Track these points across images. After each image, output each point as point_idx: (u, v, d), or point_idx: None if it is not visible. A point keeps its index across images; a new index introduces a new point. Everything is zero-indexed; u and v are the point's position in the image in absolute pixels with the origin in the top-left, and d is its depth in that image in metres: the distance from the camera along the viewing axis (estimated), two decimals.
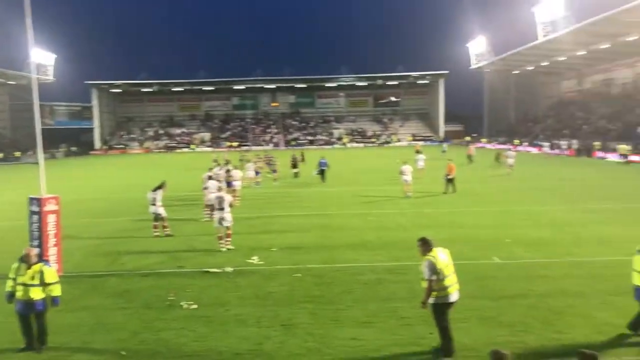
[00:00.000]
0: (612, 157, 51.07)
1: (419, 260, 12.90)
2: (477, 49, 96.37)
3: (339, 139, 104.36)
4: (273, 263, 14.58)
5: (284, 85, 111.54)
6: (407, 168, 28.09)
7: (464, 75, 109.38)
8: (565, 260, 14.20)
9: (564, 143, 64.20)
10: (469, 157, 49.92)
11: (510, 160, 39.33)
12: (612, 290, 11.56)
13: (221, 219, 16.45)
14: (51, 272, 9.18)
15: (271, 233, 18.82)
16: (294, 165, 40.23)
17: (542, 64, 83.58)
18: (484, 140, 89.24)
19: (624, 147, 50.02)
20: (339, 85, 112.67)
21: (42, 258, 9.20)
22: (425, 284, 8.52)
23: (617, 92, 75.40)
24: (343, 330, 9.72)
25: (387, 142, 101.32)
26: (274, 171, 37.83)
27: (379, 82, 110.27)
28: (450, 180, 28.98)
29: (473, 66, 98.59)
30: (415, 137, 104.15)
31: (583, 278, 12.52)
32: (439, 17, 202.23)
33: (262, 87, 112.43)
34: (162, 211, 18.75)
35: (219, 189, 18.95)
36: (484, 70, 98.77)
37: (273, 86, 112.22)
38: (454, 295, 8.60)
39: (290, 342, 9.25)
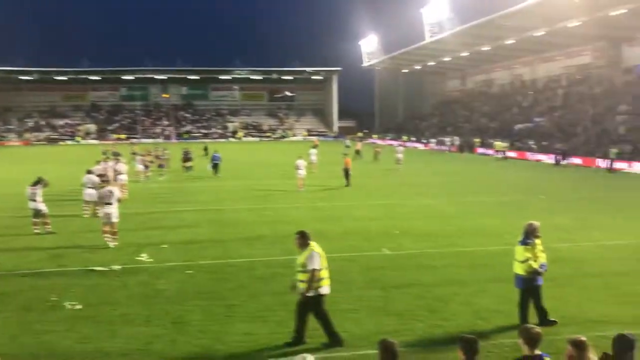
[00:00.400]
0: (491, 153, 54.43)
1: (264, 256, 12.92)
2: (369, 47, 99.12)
3: (234, 132, 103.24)
4: (164, 260, 14.15)
5: (176, 76, 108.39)
6: (302, 162, 28.46)
7: (356, 72, 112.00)
8: (449, 250, 14.98)
9: (448, 140, 67.62)
10: (357, 152, 51.23)
11: (399, 155, 40.74)
12: (490, 277, 12.35)
13: (108, 214, 15.73)
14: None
15: (162, 229, 18.25)
16: (186, 159, 39.23)
17: (429, 63, 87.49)
18: (375, 136, 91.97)
19: (499, 144, 53.43)
20: (233, 78, 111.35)
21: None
22: (303, 277, 8.65)
23: (496, 92, 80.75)
24: (236, 325, 9.63)
25: (283, 137, 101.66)
26: (161, 165, 36.28)
27: (274, 76, 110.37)
28: (347, 174, 29.83)
29: (365, 64, 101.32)
30: (310, 132, 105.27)
31: (465, 267, 13.27)
32: (334, 15, 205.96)
33: (153, 78, 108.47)
34: (42, 207, 17.56)
35: (106, 183, 18.11)
36: (375, 68, 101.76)
37: (164, 77, 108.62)
38: (327, 288, 8.84)
39: (181, 340, 9.03)
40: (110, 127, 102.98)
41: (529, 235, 9.44)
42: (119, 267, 13.39)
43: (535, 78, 73.16)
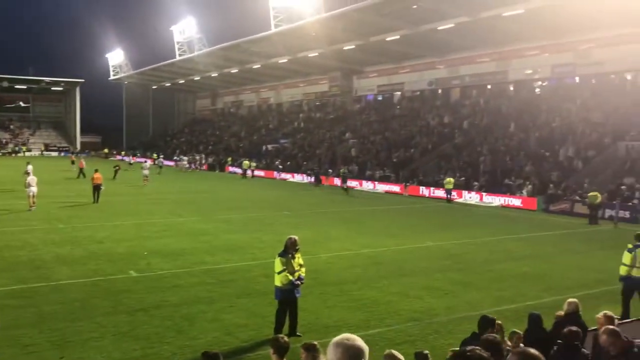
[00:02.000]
0: (240, 172, 55.89)
1: (47, 280, 12.02)
2: (116, 61, 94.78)
3: None
4: None
5: None
6: (33, 179, 25.86)
7: (102, 86, 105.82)
8: (198, 268, 14.99)
9: (197, 158, 67.75)
10: (81, 170, 45.01)
11: (145, 172, 40.65)
12: (238, 293, 12.70)
13: None
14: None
15: None
16: None
17: (179, 81, 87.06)
18: (123, 153, 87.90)
19: (247, 163, 55.10)
20: None
21: None
22: None
23: (245, 113, 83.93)
24: None
25: (16, 152, 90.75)
26: None
27: (4, 84, 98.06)
28: (96, 190, 28.91)
29: (112, 78, 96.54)
30: (48, 147, 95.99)
31: (213, 284, 13.41)
32: (78, 24, 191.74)
33: None
34: None
35: None
36: (123, 83, 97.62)
37: None
38: None
39: None
40: None
41: (288, 248, 9.96)
42: None
43: (280, 102, 77.92)
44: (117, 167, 45.06)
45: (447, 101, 54.75)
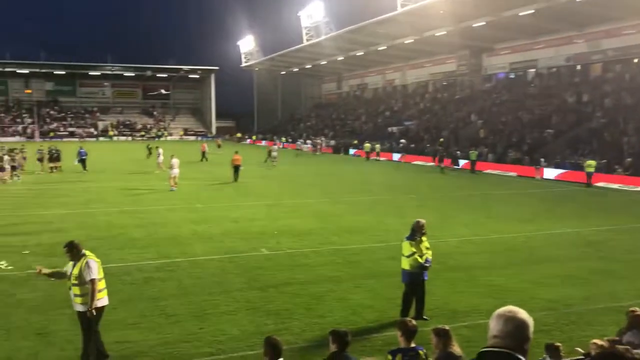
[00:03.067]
0: (363, 154, 56.20)
1: (187, 256, 12.81)
2: (247, 48, 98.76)
3: (104, 131, 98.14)
4: (25, 267, 13.13)
5: (40, 70, 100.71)
6: (176, 161, 27.85)
7: (235, 72, 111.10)
8: (326, 248, 15.34)
9: (323, 141, 69.05)
10: (203, 153, 47.91)
11: (274, 154, 43.93)
12: (364, 274, 12.83)
13: None
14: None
15: (24, 234, 16.93)
16: (53, 159, 36.86)
17: (306, 66, 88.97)
18: (254, 137, 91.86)
19: (368, 146, 55.26)
20: (103, 74, 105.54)
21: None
22: (78, 290, 7.87)
23: (370, 96, 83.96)
24: (107, 333, 9.12)
25: (159, 136, 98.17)
26: (14, 167, 32.43)
27: (149, 73, 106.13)
28: (236, 170, 31.66)
29: (243, 65, 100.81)
30: (187, 132, 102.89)
31: (340, 264, 13.66)
32: (211, 13, 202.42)
33: (14, 72, 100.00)
34: None
35: None
36: (254, 69, 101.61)
37: (26, 71, 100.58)
38: (106, 299, 8.23)
39: (45, 351, 8.46)
40: None
41: (415, 232, 9.92)
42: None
43: (405, 83, 76.94)
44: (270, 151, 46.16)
45: (587, 78, 50.90)
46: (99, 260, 8.20)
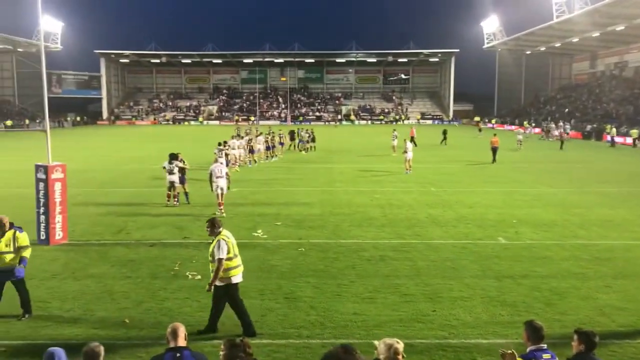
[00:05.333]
0: (622, 141, 50.47)
1: (421, 238, 12.97)
2: (490, 29, 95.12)
3: (347, 115, 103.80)
4: (277, 237, 14.62)
5: (293, 59, 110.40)
6: (410, 145, 28.33)
7: (474, 54, 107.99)
8: (570, 242, 14.15)
9: (573, 125, 63.52)
10: (412, 138, 43.05)
11: (520, 137, 44.27)
12: (615, 273, 11.54)
13: (217, 186, 17.75)
14: (24, 237, 9.23)
15: (276, 207, 18.84)
16: (310, 140, 41.71)
17: (555, 44, 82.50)
18: (493, 121, 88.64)
19: (635, 132, 49.36)
20: (347, 61, 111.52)
21: (13, 225, 9.27)
22: (211, 266, 8.44)
23: (630, 75, 74.42)
24: (345, 305, 9.75)
25: (397, 120, 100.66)
26: (268, 147, 35.28)
27: (390, 58, 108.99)
28: (494, 152, 33.42)
29: (486, 46, 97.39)
30: (423, 115, 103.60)
31: (586, 260, 12.48)
32: None
33: (272, 62, 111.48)
34: (176, 179, 19.18)
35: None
36: (496, 50, 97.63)
37: (281, 60, 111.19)
38: (239, 277, 8.62)
39: (293, 315, 9.30)
40: (230, 109, 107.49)
41: None
42: (236, 241, 13.99)
43: None
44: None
45: None
46: (232, 239, 8.68)
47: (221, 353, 4.60)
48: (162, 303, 9.84)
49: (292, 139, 43.07)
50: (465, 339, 8.35)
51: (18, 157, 36.24)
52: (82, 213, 17.53)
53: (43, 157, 14.30)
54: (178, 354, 4.93)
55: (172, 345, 5.08)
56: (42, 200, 13.74)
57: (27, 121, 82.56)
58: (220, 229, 8.61)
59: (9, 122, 79.75)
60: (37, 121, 79.73)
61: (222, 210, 17.52)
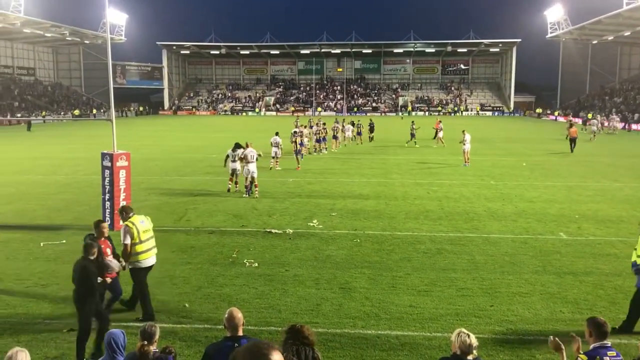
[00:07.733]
0: None
1: (479, 232, 12.72)
2: (554, 17, 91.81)
3: (404, 106, 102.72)
4: (332, 227, 14.69)
5: (350, 50, 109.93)
6: (468, 137, 27.70)
7: (536, 43, 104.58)
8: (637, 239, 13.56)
9: (611, 118, 60.45)
10: (436, 131, 41.00)
11: (594, 128, 45.30)
12: None
13: (249, 171, 18.98)
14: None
15: (332, 198, 18.92)
16: (371, 130, 42.41)
17: (625, 33, 78.86)
18: (556, 113, 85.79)
19: None
20: (405, 51, 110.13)
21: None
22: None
23: None
24: (400, 296, 9.72)
25: (455, 111, 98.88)
26: (318, 140, 34.41)
27: (449, 48, 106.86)
28: (573, 142, 34.18)
29: (549, 35, 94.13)
30: (483, 107, 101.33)
31: None
32: None
33: (329, 52, 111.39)
34: (238, 166, 19.82)
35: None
36: (560, 40, 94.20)
37: (338, 51, 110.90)
38: (149, 260, 8.90)
39: (347, 305, 9.35)
40: (287, 100, 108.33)
41: None
42: (292, 231, 14.19)
43: None
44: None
45: None
46: (143, 224, 8.87)
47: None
48: (221, 289, 10.09)
49: (372, 130, 42.75)
50: (524, 335, 8.19)
51: (85, 145, 37.76)
52: (145, 200, 18.13)
53: (109, 146, 14.85)
54: (236, 344, 4.94)
55: (230, 334, 5.12)
56: (107, 187, 14.29)
57: (93, 110, 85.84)
58: (130, 214, 8.95)
59: (76, 112, 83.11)
60: (102, 111, 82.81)
61: (257, 192, 19.11)
